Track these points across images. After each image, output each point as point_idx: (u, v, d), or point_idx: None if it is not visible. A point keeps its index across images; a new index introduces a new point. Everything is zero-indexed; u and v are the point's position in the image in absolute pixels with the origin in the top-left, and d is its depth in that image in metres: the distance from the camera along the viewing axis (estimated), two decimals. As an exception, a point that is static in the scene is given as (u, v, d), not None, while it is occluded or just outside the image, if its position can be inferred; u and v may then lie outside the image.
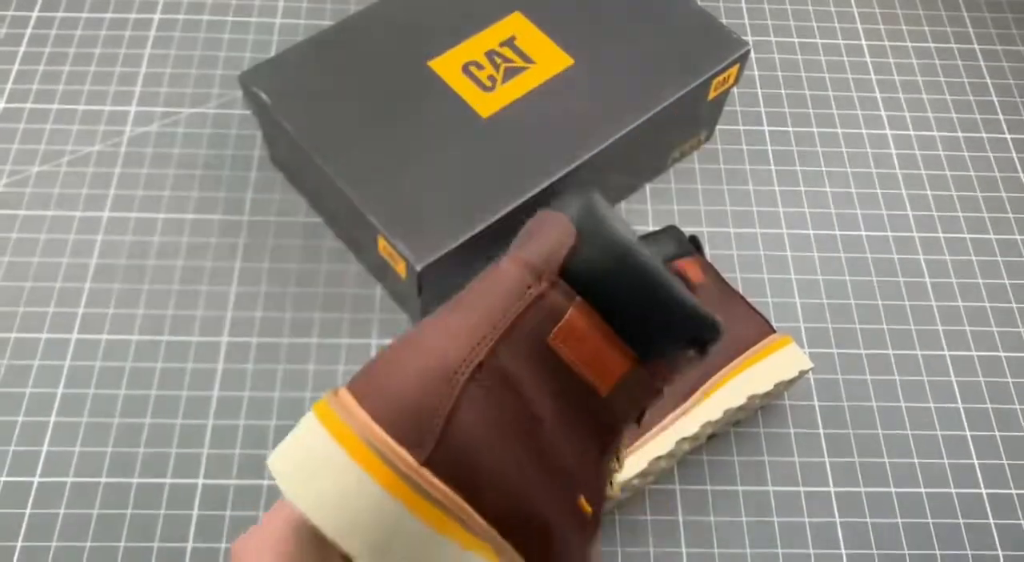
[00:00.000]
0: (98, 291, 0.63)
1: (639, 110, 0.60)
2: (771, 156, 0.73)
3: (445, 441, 0.28)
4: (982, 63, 0.80)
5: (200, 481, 0.56)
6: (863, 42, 0.80)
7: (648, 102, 0.61)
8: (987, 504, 0.58)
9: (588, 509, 0.34)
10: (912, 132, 0.75)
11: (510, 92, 0.60)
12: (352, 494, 0.27)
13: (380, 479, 0.27)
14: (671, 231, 0.60)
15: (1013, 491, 0.59)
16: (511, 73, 0.61)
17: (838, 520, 0.57)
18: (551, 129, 0.59)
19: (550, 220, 0.33)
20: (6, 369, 0.59)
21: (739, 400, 0.55)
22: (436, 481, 0.28)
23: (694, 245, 0.61)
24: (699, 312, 0.33)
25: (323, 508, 0.27)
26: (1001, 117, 0.76)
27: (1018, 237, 0.70)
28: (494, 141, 0.58)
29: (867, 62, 0.79)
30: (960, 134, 0.75)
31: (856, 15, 0.82)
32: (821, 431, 0.60)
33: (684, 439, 0.53)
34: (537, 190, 0.57)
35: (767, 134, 0.74)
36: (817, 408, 0.61)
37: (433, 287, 0.56)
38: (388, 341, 0.62)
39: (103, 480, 0.56)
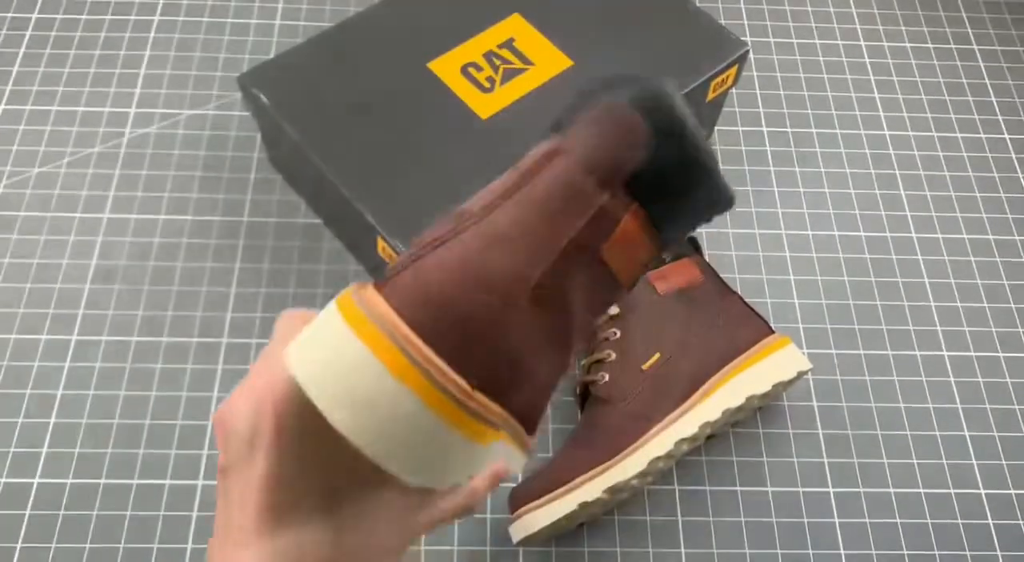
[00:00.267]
0: (98, 292, 0.63)
1: (638, 111, 0.60)
2: (770, 157, 0.73)
3: (492, 365, 0.27)
4: (981, 64, 0.80)
5: (200, 482, 0.56)
6: (862, 43, 0.80)
7: (647, 103, 0.61)
8: (986, 504, 0.58)
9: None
10: (911, 133, 0.75)
11: (509, 93, 0.60)
12: (401, 417, 0.26)
13: (433, 405, 0.26)
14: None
15: (1012, 491, 0.59)
16: (510, 74, 0.61)
17: (837, 521, 0.57)
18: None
19: (621, 118, 0.29)
20: (6, 370, 0.59)
21: (738, 401, 0.55)
22: (490, 404, 0.27)
23: (692, 246, 0.61)
24: (733, 197, 0.32)
25: (367, 434, 0.26)
26: (1000, 118, 0.76)
27: (1017, 238, 0.70)
28: (493, 142, 0.58)
29: (866, 63, 0.79)
30: (959, 135, 0.75)
31: (855, 16, 0.82)
32: (820, 432, 0.60)
33: (683, 440, 0.53)
34: (536, 191, 0.57)
35: (766, 135, 0.74)
36: (816, 409, 0.61)
37: (432, 288, 0.56)
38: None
39: (103, 481, 0.56)
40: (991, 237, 0.70)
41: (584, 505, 0.51)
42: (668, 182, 0.29)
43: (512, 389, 0.28)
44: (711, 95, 0.65)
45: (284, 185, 0.68)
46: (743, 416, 0.58)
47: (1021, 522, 0.58)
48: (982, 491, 0.59)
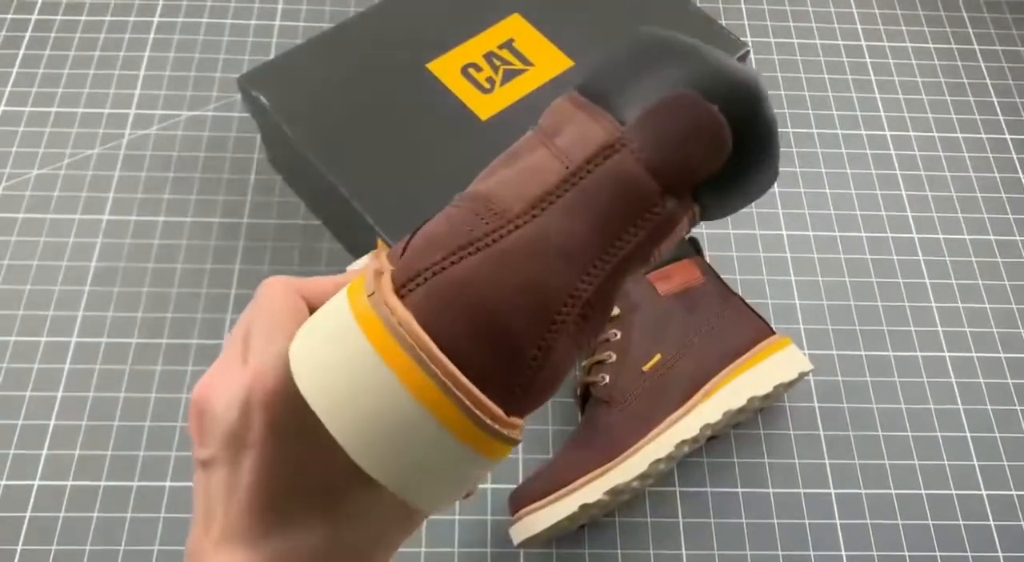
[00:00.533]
0: (98, 294, 0.63)
1: (638, 112, 0.60)
2: (771, 157, 0.72)
3: (532, 390, 0.24)
4: (982, 64, 0.80)
5: (200, 484, 0.56)
6: (863, 43, 0.80)
7: (647, 104, 0.61)
8: (987, 505, 0.58)
9: None
10: (912, 133, 0.75)
11: (509, 94, 0.60)
12: (434, 456, 0.23)
13: (469, 441, 0.23)
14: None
15: (1013, 492, 0.59)
16: (510, 75, 0.61)
17: (838, 522, 0.57)
18: (550, 131, 0.59)
19: (702, 118, 0.25)
20: (6, 372, 0.59)
21: (739, 402, 0.55)
22: (520, 423, 0.25)
23: (693, 247, 0.61)
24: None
25: (391, 471, 0.23)
26: (1001, 118, 0.76)
27: (1018, 238, 0.70)
28: (493, 143, 0.58)
29: (867, 63, 0.79)
30: (960, 135, 0.75)
31: (856, 16, 0.82)
32: (821, 433, 0.60)
33: (684, 441, 0.53)
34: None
35: (766, 135, 0.74)
36: (817, 410, 0.61)
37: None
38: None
39: (103, 483, 0.56)
40: (992, 237, 0.70)
41: (585, 507, 0.51)
42: (737, 184, 0.26)
43: (542, 403, 0.26)
44: (711, 95, 0.65)
45: (284, 186, 0.68)
46: (744, 417, 0.58)
47: (1023, 523, 0.58)
48: (983, 492, 0.59)
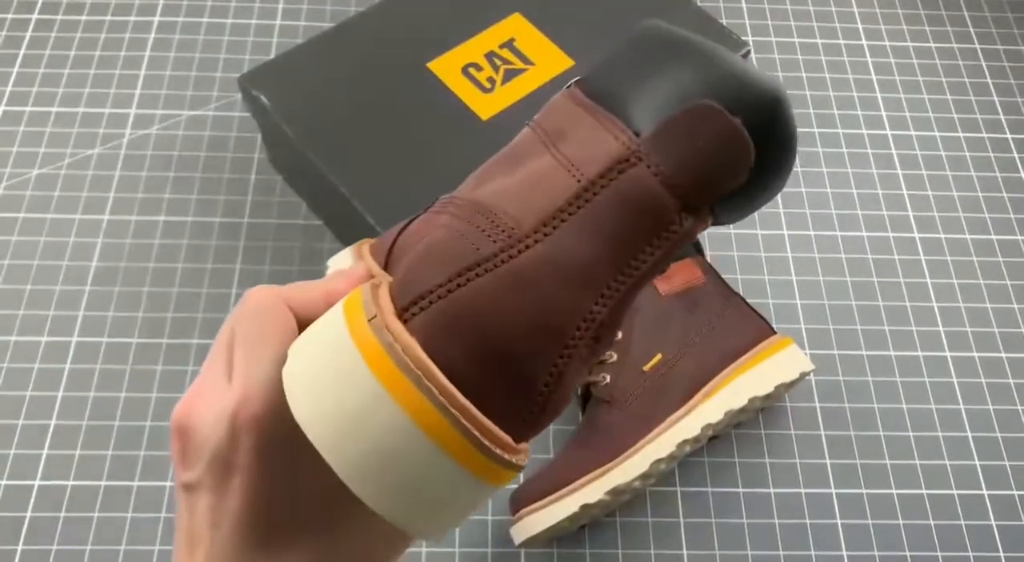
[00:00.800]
0: (98, 294, 0.63)
1: (639, 111, 0.60)
2: (772, 157, 0.72)
3: (543, 417, 0.23)
4: (983, 63, 0.79)
5: (200, 484, 0.56)
6: (864, 42, 0.80)
7: (648, 103, 0.60)
8: (989, 505, 0.58)
9: None
10: (913, 132, 0.75)
11: (510, 94, 0.60)
12: (429, 478, 0.21)
13: (480, 474, 0.22)
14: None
15: (1015, 492, 0.59)
16: (511, 75, 0.61)
17: (839, 522, 0.57)
18: (551, 131, 0.59)
19: (726, 135, 0.23)
20: (7, 372, 0.59)
21: (740, 402, 0.55)
22: (527, 448, 0.24)
23: (694, 246, 0.61)
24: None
25: (397, 508, 0.22)
26: (1002, 117, 0.76)
27: (1019, 238, 0.70)
28: (493, 143, 0.58)
29: (868, 62, 0.79)
30: (961, 134, 0.75)
31: (857, 15, 0.82)
32: (822, 433, 0.60)
33: (685, 441, 0.53)
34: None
35: (767, 135, 0.74)
36: (818, 410, 0.61)
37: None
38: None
39: (103, 483, 0.56)
40: (994, 237, 0.69)
41: (586, 507, 0.51)
42: (754, 196, 0.25)
43: (548, 425, 0.25)
44: (712, 95, 0.65)
45: (284, 186, 0.68)
46: (745, 417, 0.58)
47: (1024, 523, 0.58)
48: (985, 492, 0.59)
